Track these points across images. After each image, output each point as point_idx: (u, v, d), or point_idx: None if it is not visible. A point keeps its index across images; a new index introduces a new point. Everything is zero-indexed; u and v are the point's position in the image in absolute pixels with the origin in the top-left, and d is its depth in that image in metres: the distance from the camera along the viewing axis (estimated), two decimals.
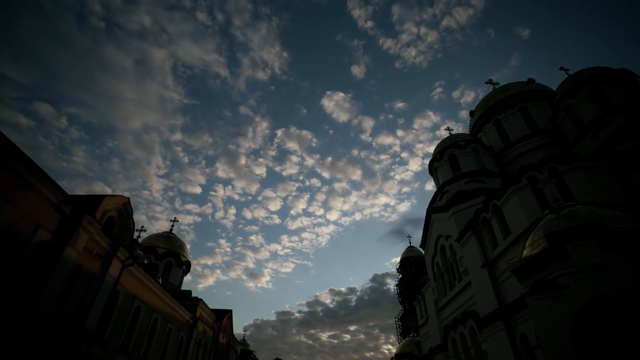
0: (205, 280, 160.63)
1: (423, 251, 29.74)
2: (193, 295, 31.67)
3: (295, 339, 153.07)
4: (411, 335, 43.05)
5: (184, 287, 41.17)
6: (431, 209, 26.28)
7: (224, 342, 38.26)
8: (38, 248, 12.91)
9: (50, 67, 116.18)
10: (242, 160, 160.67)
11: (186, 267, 42.65)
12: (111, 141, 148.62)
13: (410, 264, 52.98)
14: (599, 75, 22.99)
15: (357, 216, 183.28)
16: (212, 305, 33.10)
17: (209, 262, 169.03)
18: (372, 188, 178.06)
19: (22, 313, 12.24)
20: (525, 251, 12.17)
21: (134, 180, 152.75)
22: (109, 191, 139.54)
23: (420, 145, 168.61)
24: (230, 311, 39.54)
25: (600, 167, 15.81)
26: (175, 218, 46.67)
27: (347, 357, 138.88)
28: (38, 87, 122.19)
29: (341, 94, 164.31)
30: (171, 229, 44.70)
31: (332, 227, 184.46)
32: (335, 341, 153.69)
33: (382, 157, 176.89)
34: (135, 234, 26.14)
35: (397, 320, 52.41)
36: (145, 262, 29.89)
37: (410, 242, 57.73)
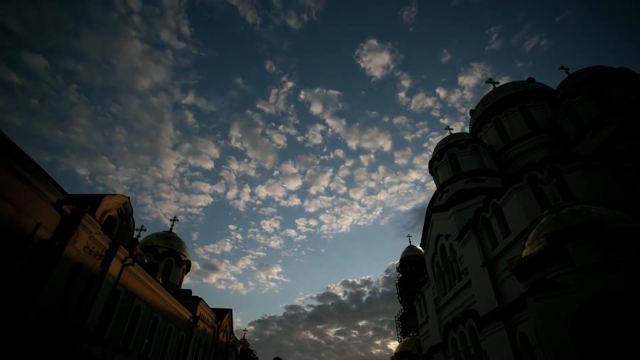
0: (213, 271, 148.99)
1: (423, 250, 29.77)
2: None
3: (302, 335, 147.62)
4: (411, 334, 43.07)
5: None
6: (431, 208, 26.29)
7: (224, 341, 38.30)
8: (38, 247, 12.91)
9: (42, 8, 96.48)
10: (260, 129, 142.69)
11: (186, 266, 42.74)
12: (115, 105, 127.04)
13: (410, 263, 52.99)
14: (599, 74, 22.96)
15: (382, 195, 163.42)
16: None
17: (217, 252, 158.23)
18: (403, 161, 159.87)
19: (23, 312, 12.25)
20: (525, 250, 12.17)
21: (140, 155, 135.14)
22: (112, 168, 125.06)
23: (463, 110, 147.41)
24: (230, 310, 39.59)
25: (600, 167, 15.81)
26: (175, 217, 46.75)
27: (353, 354, 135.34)
28: (28, 34, 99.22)
29: (380, 44, 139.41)
30: (171, 229, 44.80)
31: (354, 207, 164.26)
32: (342, 338, 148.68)
33: (419, 123, 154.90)
34: (135, 233, 26.14)
35: (397, 319, 52.45)
36: (146, 261, 29.91)
37: (410, 242, 57.79)
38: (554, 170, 16.02)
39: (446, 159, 27.82)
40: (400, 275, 54.06)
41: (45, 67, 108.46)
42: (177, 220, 46.65)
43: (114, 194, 17.64)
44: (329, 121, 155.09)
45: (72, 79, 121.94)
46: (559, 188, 14.94)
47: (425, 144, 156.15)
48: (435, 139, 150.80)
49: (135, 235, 21.22)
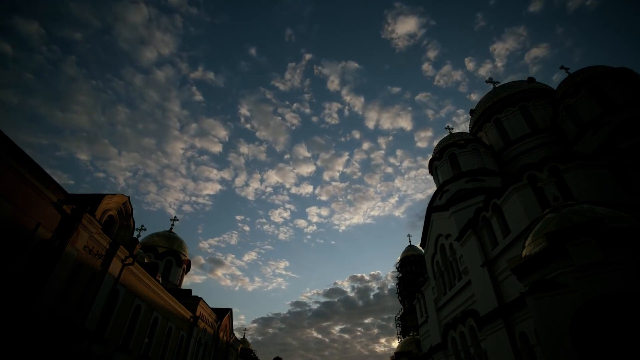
0: (219, 266, 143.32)
1: (423, 250, 29.77)
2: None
3: (306, 333, 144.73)
4: (411, 333, 43.09)
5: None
6: (431, 208, 26.28)
7: (224, 341, 38.33)
8: (39, 246, 12.94)
9: None
10: (272, 108, 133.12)
11: (186, 266, 42.82)
12: (117, 81, 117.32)
13: (410, 262, 52.99)
14: (600, 74, 22.95)
15: (399, 182, 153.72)
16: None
17: (222, 245, 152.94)
18: (423, 144, 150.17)
19: (23, 311, 12.26)
20: (525, 250, 12.16)
21: (145, 136, 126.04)
22: (114, 152, 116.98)
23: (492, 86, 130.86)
24: (230, 310, 39.69)
25: (601, 166, 15.79)
26: (175, 217, 46.78)
27: (357, 353, 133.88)
28: None
29: (408, 6, 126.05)
30: (171, 228, 44.88)
31: (369, 194, 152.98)
32: (347, 336, 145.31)
33: (444, 101, 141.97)
34: (136, 232, 26.16)
35: (397, 319, 52.48)
36: (146, 260, 29.93)
37: (410, 241, 57.78)
38: (554, 170, 16.00)
39: (446, 159, 27.81)
40: (400, 275, 54.09)
41: (40, 35, 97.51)
42: (177, 220, 46.64)
43: (114, 194, 17.67)
44: (347, 98, 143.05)
45: (69, 49, 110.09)
46: (559, 187, 14.94)
47: (449, 124, 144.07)
48: (460, 119, 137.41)
49: (135, 235, 21.25)
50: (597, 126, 20.75)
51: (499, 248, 17.31)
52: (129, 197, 18.74)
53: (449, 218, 22.78)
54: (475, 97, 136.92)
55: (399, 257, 55.48)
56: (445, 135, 30.31)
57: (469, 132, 33.27)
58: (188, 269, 43.56)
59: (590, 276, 10.20)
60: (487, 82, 34.17)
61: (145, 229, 34.28)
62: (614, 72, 22.76)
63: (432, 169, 30.11)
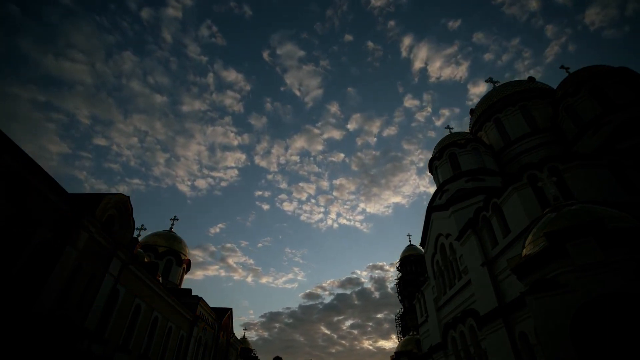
0: (232, 254, 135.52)
1: (423, 249, 29.77)
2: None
3: (315, 328, 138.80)
4: (411, 333, 43.10)
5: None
6: (431, 208, 26.29)
7: (224, 340, 38.35)
8: (39, 246, 12.93)
9: None
10: (303, 53, 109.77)
11: (186, 265, 42.83)
12: (123, 17, 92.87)
13: (410, 262, 53.02)
14: (600, 73, 22.92)
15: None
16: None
17: (235, 231, 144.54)
18: (472, 102, 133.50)
19: (24, 311, 12.25)
20: (525, 250, 12.16)
21: (156, 94, 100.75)
22: (118, 114, 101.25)
23: (587, 18, 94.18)
24: (230, 309, 39.75)
25: (601, 166, 15.79)
26: (175, 216, 46.72)
27: (364, 350, 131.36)
28: None
29: None
30: (171, 228, 44.84)
31: (405, 164, 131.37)
32: (356, 331, 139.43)
33: (511, 42, 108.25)
34: (136, 232, 26.21)
35: (397, 318, 52.51)
36: (146, 260, 29.91)
37: (410, 241, 57.77)
38: (554, 170, 15.99)
39: (446, 158, 27.81)
40: (400, 274, 54.13)
41: None
42: (177, 219, 46.52)
43: (114, 194, 17.73)
44: (392, 37, 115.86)
45: None
46: (559, 187, 14.92)
47: (507, 75, 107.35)
48: (523, 65, 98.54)
49: (135, 235, 21.29)
50: (597, 126, 20.74)
51: (499, 248, 17.31)
52: (129, 196, 18.78)
53: (449, 217, 22.78)
54: (549, 34, 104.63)
55: (399, 257, 55.53)
56: (445, 136, 30.34)
57: (469, 131, 33.28)
58: (188, 269, 43.58)
59: (590, 276, 10.20)
60: (487, 81, 34.18)
61: (145, 229, 34.36)
62: (614, 72, 22.74)
63: (432, 169, 30.10)
